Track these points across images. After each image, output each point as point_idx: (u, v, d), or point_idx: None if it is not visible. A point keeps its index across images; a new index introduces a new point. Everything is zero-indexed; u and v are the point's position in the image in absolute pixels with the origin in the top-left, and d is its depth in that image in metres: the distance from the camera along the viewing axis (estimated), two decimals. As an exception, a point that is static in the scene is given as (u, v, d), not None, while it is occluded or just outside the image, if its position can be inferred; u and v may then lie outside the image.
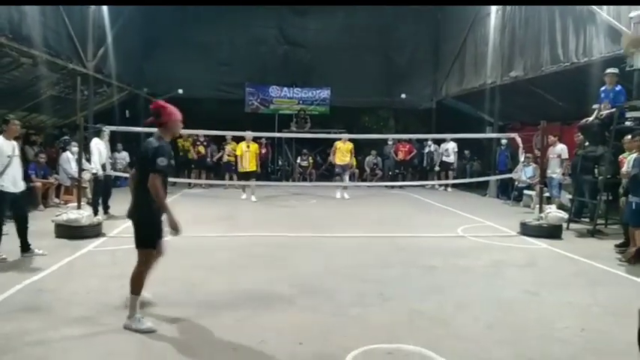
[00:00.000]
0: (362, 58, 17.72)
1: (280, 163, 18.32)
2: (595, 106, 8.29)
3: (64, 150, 10.68)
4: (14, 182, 5.71)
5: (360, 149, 15.24)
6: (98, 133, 8.89)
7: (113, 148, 11.39)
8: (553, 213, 7.82)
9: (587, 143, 8.71)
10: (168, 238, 3.91)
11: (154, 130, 3.88)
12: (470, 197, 13.39)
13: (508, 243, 7.26)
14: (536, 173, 10.86)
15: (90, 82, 12.19)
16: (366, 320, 4.03)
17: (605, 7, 8.88)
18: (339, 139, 12.87)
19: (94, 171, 8.45)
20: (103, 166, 8.62)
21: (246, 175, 11.86)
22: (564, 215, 8.03)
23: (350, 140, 12.88)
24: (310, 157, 16.46)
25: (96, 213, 7.87)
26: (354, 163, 14.48)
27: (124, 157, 13.72)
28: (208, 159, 14.84)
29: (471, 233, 7.88)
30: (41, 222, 7.30)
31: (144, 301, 4.00)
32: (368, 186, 15.05)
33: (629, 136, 6.73)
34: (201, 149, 14.63)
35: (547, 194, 9.78)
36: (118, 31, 13.29)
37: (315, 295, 4.65)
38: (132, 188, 3.97)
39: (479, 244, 7.22)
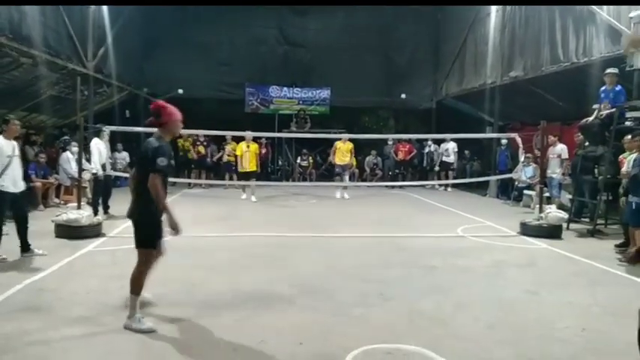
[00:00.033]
0: (362, 58, 17.72)
1: (280, 163, 18.31)
2: (595, 106, 8.29)
3: (64, 150, 10.68)
4: (14, 182, 5.71)
5: (360, 149, 15.24)
6: (98, 133, 8.89)
7: (113, 148, 11.39)
8: (553, 213, 7.82)
9: (587, 143, 8.71)
10: (168, 238, 3.91)
11: (154, 130, 3.88)
12: (470, 197, 13.38)
13: (508, 243, 7.26)
14: (536, 173, 10.86)
15: (90, 82, 12.19)
16: (367, 320, 4.03)
17: (605, 7, 8.89)
18: (339, 139, 12.87)
19: (94, 171, 8.45)
20: (103, 166, 8.62)
21: (246, 175, 11.86)
22: (564, 215, 8.03)
23: (350, 140, 12.89)
24: (310, 157, 16.45)
25: (96, 213, 7.87)
26: (354, 163, 14.48)
27: (124, 157, 13.71)
28: (208, 159, 14.83)
29: (471, 233, 7.88)
30: (41, 222, 7.30)
31: (144, 301, 4.00)
32: (368, 186, 15.05)
33: (629, 136, 6.73)
34: (201, 149, 14.63)
35: (547, 194, 9.78)
36: (118, 30, 13.29)
37: (315, 295, 4.64)
38: (132, 188, 3.97)
39: (479, 244, 7.22)
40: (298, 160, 16.54)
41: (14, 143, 5.82)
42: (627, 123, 7.65)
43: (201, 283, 4.96)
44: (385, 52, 18.29)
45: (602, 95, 8.10)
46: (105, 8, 12.61)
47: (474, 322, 4.00)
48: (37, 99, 11.26)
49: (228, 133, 12.86)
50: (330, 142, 13.35)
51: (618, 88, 7.93)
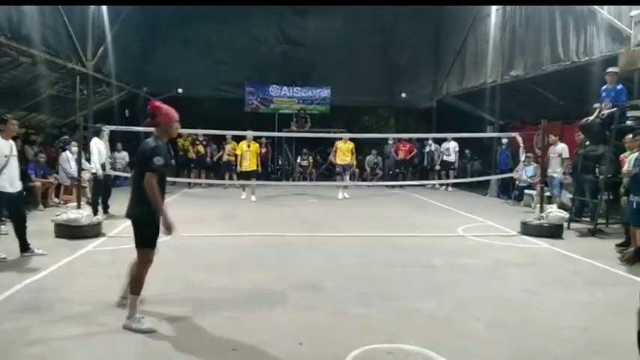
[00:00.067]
0: (362, 57, 17.70)
1: (280, 162, 18.30)
2: (596, 105, 8.27)
3: (64, 149, 10.65)
4: (11, 182, 5.70)
5: (361, 148, 15.22)
6: (98, 133, 8.88)
7: (113, 148, 11.36)
8: (554, 212, 7.81)
9: (588, 142, 8.69)
10: (162, 239, 3.90)
11: (154, 129, 3.87)
12: (470, 197, 13.37)
13: (509, 242, 7.25)
14: (536, 173, 10.85)
15: (89, 81, 12.18)
16: (367, 320, 4.02)
17: (605, 6, 8.87)
18: (340, 139, 12.83)
19: (94, 170, 8.44)
20: (103, 166, 8.61)
21: (246, 175, 11.84)
22: (565, 215, 8.02)
23: (350, 140, 12.86)
24: (310, 157, 16.42)
25: (95, 213, 7.87)
26: (355, 163, 14.46)
27: (123, 156, 13.70)
28: (208, 158, 14.80)
29: (472, 233, 7.86)
30: (41, 222, 7.29)
31: (121, 303, 4.03)
32: (368, 185, 15.03)
33: (630, 135, 6.72)
34: (201, 148, 14.57)
35: (548, 194, 9.75)
36: (118, 30, 13.28)
37: (316, 294, 4.63)
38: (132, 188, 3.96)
39: (479, 243, 7.21)
40: (298, 160, 16.51)
41: (12, 143, 5.82)
42: (628, 122, 7.63)
43: (201, 283, 4.95)
44: (385, 51, 18.28)
45: (604, 94, 8.08)
46: (104, 7, 12.60)
47: (475, 322, 3.99)
48: (37, 98, 11.25)
49: (229, 133, 12.84)
50: (330, 142, 13.33)
51: (619, 87, 7.91)
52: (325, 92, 18.12)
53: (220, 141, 14.68)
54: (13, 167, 5.76)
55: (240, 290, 4.75)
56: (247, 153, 11.72)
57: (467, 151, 15.97)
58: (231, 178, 13.80)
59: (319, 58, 17.79)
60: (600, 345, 3.60)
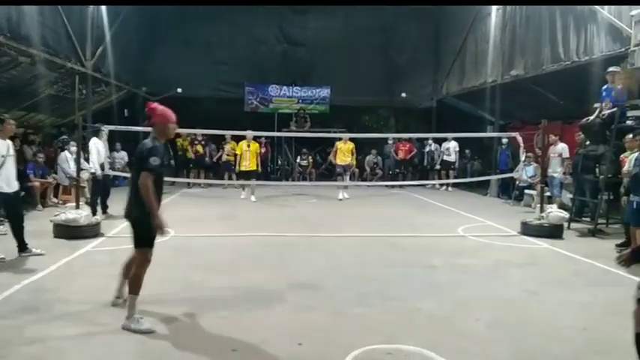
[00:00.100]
0: (362, 57, 17.68)
1: (280, 162, 18.27)
2: (596, 104, 8.27)
3: (63, 149, 10.64)
4: (8, 182, 5.69)
5: (361, 148, 15.19)
6: (96, 133, 8.86)
7: (112, 148, 11.36)
8: (554, 212, 7.80)
9: (588, 142, 8.68)
10: (162, 239, 3.88)
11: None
12: (470, 197, 13.35)
13: (509, 242, 7.23)
14: (537, 172, 10.83)
15: (88, 81, 12.16)
16: (367, 320, 4.00)
17: (606, 5, 8.86)
18: (339, 139, 12.81)
19: (93, 170, 8.42)
20: (102, 166, 8.59)
21: (246, 175, 11.82)
22: (565, 215, 8.01)
23: (350, 139, 12.85)
24: (310, 157, 16.39)
25: (94, 213, 7.84)
26: (355, 163, 14.44)
27: (122, 156, 13.65)
28: (206, 158, 14.77)
29: (472, 233, 7.85)
30: (39, 222, 7.28)
31: (116, 303, 4.04)
32: (368, 185, 15.02)
33: (631, 135, 6.71)
34: (199, 148, 14.53)
35: (548, 194, 9.74)
36: (117, 29, 13.25)
37: (315, 294, 4.62)
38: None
39: (479, 243, 7.19)
40: (298, 160, 16.48)
41: (9, 143, 5.80)
42: (628, 122, 7.63)
43: (201, 283, 4.94)
44: (385, 51, 18.26)
45: (604, 94, 8.07)
46: (103, 7, 12.58)
47: (475, 322, 3.98)
48: (36, 98, 11.23)
49: (228, 133, 12.82)
50: (330, 142, 13.29)
51: (620, 86, 7.89)
52: (325, 92, 18.10)
53: (219, 141, 14.66)
54: (10, 167, 5.74)
55: (240, 290, 4.74)
56: (247, 153, 11.71)
57: (467, 151, 15.95)
58: (230, 178, 13.78)
59: (319, 57, 17.76)
60: (600, 345, 3.59)
